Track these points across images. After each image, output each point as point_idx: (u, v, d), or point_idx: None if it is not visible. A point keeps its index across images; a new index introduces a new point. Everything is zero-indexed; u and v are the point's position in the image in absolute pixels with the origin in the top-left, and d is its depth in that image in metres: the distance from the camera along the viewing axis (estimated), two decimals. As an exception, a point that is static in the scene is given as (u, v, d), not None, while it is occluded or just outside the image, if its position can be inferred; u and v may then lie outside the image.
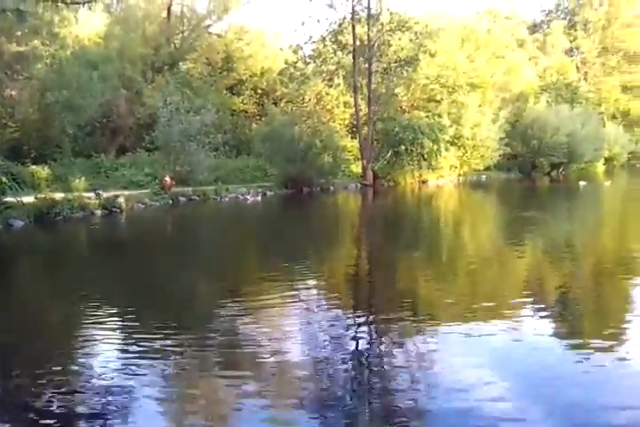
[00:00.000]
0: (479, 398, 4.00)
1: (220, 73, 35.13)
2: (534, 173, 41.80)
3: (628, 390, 4.12)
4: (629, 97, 70.18)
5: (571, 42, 66.17)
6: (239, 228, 15.76)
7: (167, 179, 21.84)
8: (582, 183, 31.25)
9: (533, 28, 67.10)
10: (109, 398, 4.17)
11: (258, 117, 35.03)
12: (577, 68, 62.23)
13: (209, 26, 34.91)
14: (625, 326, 5.83)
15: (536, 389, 4.18)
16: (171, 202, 21.00)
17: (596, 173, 49.76)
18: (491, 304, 6.68)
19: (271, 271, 8.95)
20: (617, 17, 69.53)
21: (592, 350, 4.99)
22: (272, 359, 4.91)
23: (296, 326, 5.96)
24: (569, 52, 65.72)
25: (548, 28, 65.78)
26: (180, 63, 32.61)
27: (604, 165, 54.46)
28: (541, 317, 6.23)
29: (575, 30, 68.35)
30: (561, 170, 44.99)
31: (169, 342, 5.38)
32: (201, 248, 11.95)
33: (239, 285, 8.25)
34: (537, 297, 7.17)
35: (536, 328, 5.71)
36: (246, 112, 35.54)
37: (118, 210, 17.87)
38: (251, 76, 36.17)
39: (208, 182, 24.19)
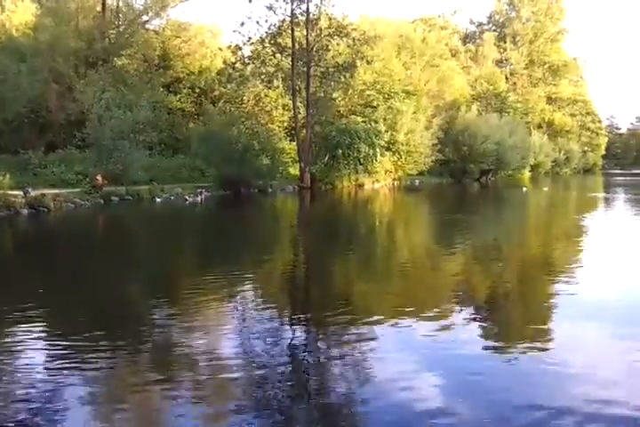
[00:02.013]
0: (411, 395, 4.16)
1: (157, 70, 34.42)
2: (465, 178, 43.45)
3: (549, 387, 4.35)
4: (554, 108, 74.14)
5: (501, 53, 69.17)
6: (174, 229, 15.53)
7: (99, 178, 21.22)
8: (524, 189, 33.33)
9: (466, 39, 69.66)
10: (36, 405, 4.02)
11: (195, 117, 34.56)
12: (506, 78, 65.15)
13: (146, 22, 34.14)
14: (547, 325, 6.19)
15: (463, 385, 4.38)
16: (102, 202, 20.42)
17: (523, 179, 52.27)
18: (422, 304, 6.92)
19: (206, 273, 8.89)
20: (543, 31, 73.31)
21: (516, 348, 5.27)
22: (207, 362, 4.89)
23: (231, 328, 5.94)
24: (499, 63, 68.69)
25: (479, 39, 68.41)
26: (115, 59, 31.69)
27: (530, 172, 57.29)
28: (470, 316, 6.51)
29: (505, 42, 71.51)
30: (490, 176, 47.01)
31: (99, 346, 5.27)
32: (133, 250, 11.71)
33: (172, 287, 8.09)
34: (465, 297, 7.49)
35: (465, 327, 5.98)
36: (183, 111, 34.97)
37: (46, 209, 17.21)
38: (188, 75, 35.64)
39: (142, 182, 23.67)
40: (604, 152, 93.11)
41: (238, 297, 7.36)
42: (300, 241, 13.79)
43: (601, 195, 33.30)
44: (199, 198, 23.42)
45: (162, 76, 34.06)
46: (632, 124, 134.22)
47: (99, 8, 32.59)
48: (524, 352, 5.12)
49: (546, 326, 6.10)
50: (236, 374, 4.61)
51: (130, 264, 9.94)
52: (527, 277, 9.27)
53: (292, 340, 5.60)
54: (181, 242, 13.00)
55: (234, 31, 32.31)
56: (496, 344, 5.56)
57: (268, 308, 6.81)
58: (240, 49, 32.29)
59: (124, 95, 25.50)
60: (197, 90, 35.72)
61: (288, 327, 6.03)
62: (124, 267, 9.53)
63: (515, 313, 6.86)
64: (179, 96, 34.75)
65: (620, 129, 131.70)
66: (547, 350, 5.20)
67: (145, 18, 33.85)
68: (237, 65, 32.06)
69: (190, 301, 7.05)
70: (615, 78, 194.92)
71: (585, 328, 5.89)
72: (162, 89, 33.32)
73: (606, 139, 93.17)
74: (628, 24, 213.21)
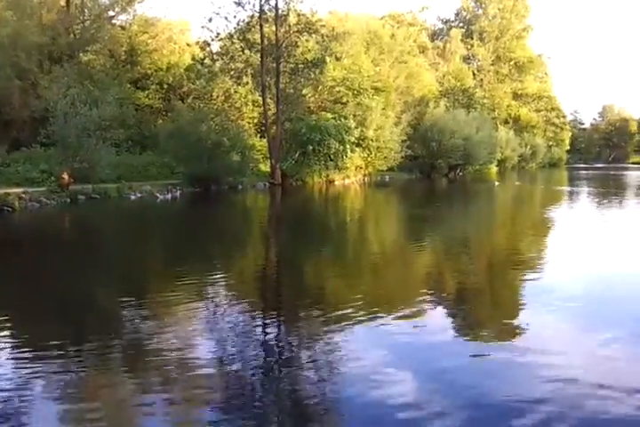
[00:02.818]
0: (383, 390, 4.24)
1: (124, 66, 33.93)
2: (434, 173, 44.01)
3: (521, 380, 4.48)
4: (520, 103, 75.52)
5: (468, 50, 70.09)
6: (144, 227, 15.45)
7: (65, 176, 20.85)
8: (496, 183, 34.17)
9: (434, 36, 70.36)
10: (3, 406, 3.98)
11: (164, 113, 34.20)
12: (473, 74, 66.04)
13: (112, 17, 33.56)
14: (516, 317, 6.36)
15: (435, 380, 4.47)
16: (69, 201, 20.09)
17: (490, 174, 53.19)
18: (393, 299, 7.05)
19: (176, 271, 8.83)
20: (508, 28, 74.51)
21: (486, 341, 5.44)
22: (177, 361, 4.86)
23: (202, 327, 5.94)
24: (466, 59, 69.58)
25: (447, 36, 69.17)
26: (81, 54, 31.13)
27: (497, 166, 58.30)
28: (441, 310, 6.68)
29: (472, 39, 72.45)
30: (458, 171, 47.71)
31: (68, 345, 5.24)
32: (102, 250, 11.60)
33: (141, 286, 8.02)
34: (436, 291, 7.63)
35: (436, 321, 6.13)
36: (151, 107, 34.58)
37: (10, 209, 16.87)
38: (156, 71, 35.22)
39: (110, 180, 23.36)
40: (568, 147, 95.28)
41: (209, 295, 7.35)
42: (272, 238, 13.87)
43: (566, 188, 34.19)
44: (169, 196, 23.25)
45: (129, 72, 33.60)
46: (595, 119, 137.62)
47: (63, 2, 31.90)
48: (494, 345, 5.28)
49: (514, 319, 6.26)
50: (207, 374, 4.62)
51: (98, 264, 9.87)
52: (496, 270, 9.54)
53: (263, 337, 5.64)
54: (151, 240, 12.94)
55: (202, 27, 32.09)
56: (466, 337, 5.70)
57: (239, 305, 6.83)
58: (209, 45, 32.08)
59: (90, 91, 25.05)
60: (165, 86, 35.35)
61: (260, 325, 6.06)
62: (92, 267, 9.45)
63: (484, 306, 7.03)
64: (146, 92, 34.35)
65: (583, 124, 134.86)
66: (516, 342, 5.35)
67: (111, 13, 33.30)
68: (206, 61, 31.85)
69: (160, 299, 7.03)
70: (578, 74, 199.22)
71: (552, 320, 6.06)
72: (129, 85, 32.87)
73: (570, 134, 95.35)
74: (589, 21, 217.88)
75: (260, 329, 5.92)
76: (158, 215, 18.99)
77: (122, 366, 4.92)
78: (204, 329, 5.86)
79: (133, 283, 8.29)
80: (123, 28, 34.38)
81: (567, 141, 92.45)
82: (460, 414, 3.86)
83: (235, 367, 4.80)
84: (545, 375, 4.49)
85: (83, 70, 29.36)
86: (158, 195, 22.82)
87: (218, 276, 8.55)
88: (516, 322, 6.14)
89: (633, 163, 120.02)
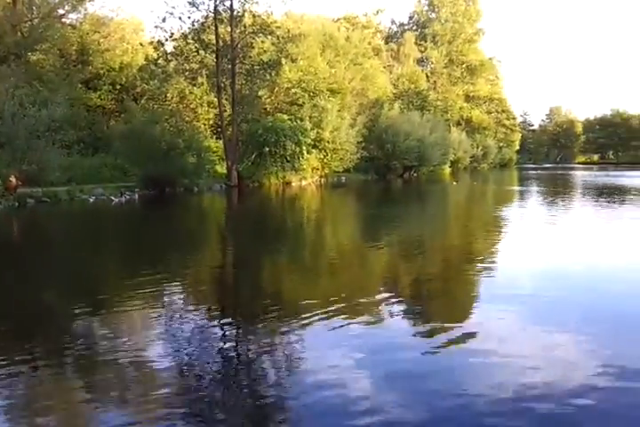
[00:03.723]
0: (341, 389, 4.29)
1: (75, 66, 33.15)
2: (389, 174, 44.69)
3: (474, 374, 4.63)
4: (471, 105, 77.43)
5: (421, 52, 71.39)
6: (98, 231, 15.17)
7: (12, 179, 20.22)
8: (455, 183, 35.11)
9: (388, 39, 71.35)
10: None
11: (116, 114, 33.60)
12: (427, 77, 67.35)
13: (62, 15, 32.76)
14: (471, 314, 6.53)
15: (392, 376, 4.55)
16: (17, 204, 19.51)
17: (444, 175, 54.36)
18: (350, 299, 7.07)
19: (130, 276, 8.70)
20: (461, 32, 76.28)
21: (442, 338, 5.53)
22: (133, 366, 4.82)
23: (157, 331, 5.86)
24: (420, 62, 70.89)
25: (401, 38, 70.26)
26: (29, 53, 30.25)
27: (450, 167, 59.65)
28: (397, 308, 6.77)
29: (425, 42, 73.82)
30: (413, 172, 48.61)
31: (21, 354, 5.13)
32: (53, 256, 11.34)
33: (93, 292, 7.81)
34: (393, 291, 7.73)
35: (393, 319, 6.23)
36: (104, 108, 33.92)
37: (-45, 213, 16.32)
38: (108, 71, 34.53)
39: (60, 183, 22.81)
40: (518, 147, 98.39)
41: (164, 299, 7.27)
42: (228, 240, 13.84)
43: (517, 188, 35.31)
44: (123, 199, 22.89)
45: (80, 72, 32.85)
46: (543, 120, 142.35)
47: (9, -1, 31.00)
48: (450, 342, 5.40)
49: (469, 316, 6.44)
50: (164, 378, 4.60)
51: (48, 269, 9.68)
52: (452, 268, 9.77)
53: (220, 340, 5.61)
54: (105, 245, 12.74)
55: (155, 27, 31.66)
56: (423, 335, 5.82)
57: (196, 309, 6.81)
58: (162, 45, 31.65)
59: (38, 92, 24.44)
60: (118, 86, 34.72)
61: (217, 327, 6.03)
62: (42, 273, 9.26)
63: (439, 304, 7.21)
64: (99, 93, 33.67)
65: (532, 126, 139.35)
66: (471, 338, 5.51)
67: (61, 11, 32.53)
68: (160, 61, 31.46)
69: (114, 305, 6.92)
70: (527, 77, 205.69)
71: (505, 316, 6.26)
72: (80, 85, 32.17)
73: (520, 135, 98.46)
74: (537, 26, 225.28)
75: (217, 332, 5.88)
76: (113, 219, 18.66)
77: (76, 374, 4.86)
78: (160, 333, 5.78)
79: (86, 289, 8.08)
80: (73, 26, 33.60)
81: (517, 142, 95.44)
82: (419, 411, 3.97)
83: (192, 371, 4.80)
84: (500, 370, 4.66)
85: (31, 70, 28.58)
86: (113, 198, 22.44)
87: (173, 280, 8.44)
88: (471, 319, 6.31)
89: (579, 163, 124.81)
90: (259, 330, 5.95)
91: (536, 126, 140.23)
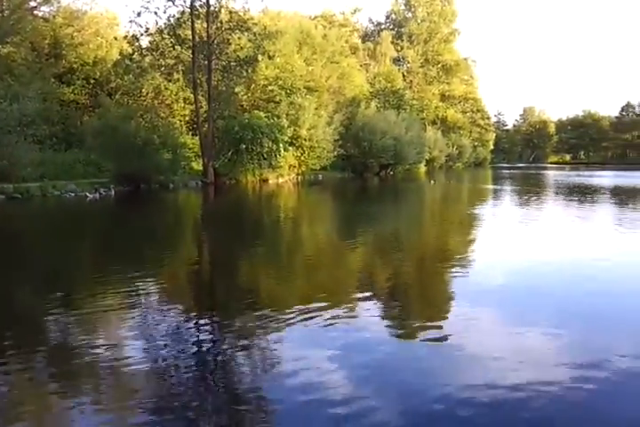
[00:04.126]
0: (318, 387, 4.31)
1: (47, 60, 32.53)
2: (366, 172, 44.93)
3: (448, 369, 4.71)
4: (447, 105, 78.24)
5: (398, 52, 71.83)
6: (70, 228, 14.94)
7: (-17, 174, 19.88)
8: (432, 182, 35.54)
9: (365, 37, 71.65)
10: None
11: (90, 109, 33.05)
12: (403, 76, 67.81)
13: (34, 8, 32.07)
14: (445, 311, 6.62)
15: (372, 376, 4.57)
16: (-12, 200, 19.15)
17: (419, 173, 54.83)
18: (327, 296, 7.10)
19: (106, 275, 8.56)
20: (436, 32, 76.96)
21: (418, 335, 5.62)
22: (109, 367, 4.73)
23: (134, 330, 5.74)
24: (396, 61, 71.32)
25: (378, 37, 70.61)
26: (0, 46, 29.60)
27: (426, 166, 60.20)
28: (374, 306, 6.80)
29: (402, 41, 74.31)
30: (389, 170, 48.94)
31: None
32: (24, 253, 11.13)
33: (68, 291, 7.69)
34: (369, 288, 7.77)
35: (370, 317, 6.24)
36: (77, 103, 33.35)
37: None
38: (82, 65, 33.98)
39: (32, 179, 22.41)
40: (492, 147, 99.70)
41: (138, 298, 7.12)
42: (204, 237, 13.78)
43: (492, 187, 35.81)
44: (97, 195, 22.60)
45: (53, 66, 32.25)
46: (517, 120, 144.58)
47: (-22, -9, 30.26)
48: (425, 339, 5.46)
49: (444, 313, 6.53)
50: (139, 379, 4.53)
51: (22, 268, 9.52)
52: (427, 266, 9.87)
53: (197, 338, 5.53)
54: (79, 242, 12.56)
55: (130, 21, 31.26)
56: (399, 332, 5.89)
57: (172, 307, 6.72)
58: (137, 40, 31.26)
59: (9, 86, 23.97)
60: (92, 81, 34.18)
61: (193, 326, 5.96)
62: (13, 271, 9.08)
63: (416, 301, 7.31)
64: (72, 88, 33.11)
65: (506, 125, 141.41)
66: (446, 335, 5.56)
67: (33, 3, 31.83)
68: (135, 56, 31.07)
69: (86, 305, 6.78)
70: (501, 77, 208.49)
71: (478, 313, 6.37)
72: (53, 80, 31.59)
73: (494, 134, 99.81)
74: (512, 27, 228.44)
75: (193, 331, 5.80)
76: (87, 215, 18.40)
77: (50, 374, 4.76)
78: (135, 333, 5.67)
79: (59, 287, 7.91)
80: (46, 19, 32.96)
81: (491, 142, 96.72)
82: (394, 407, 4.02)
83: (168, 370, 4.73)
84: (473, 366, 4.76)
85: (2, 63, 27.96)
86: (88, 194, 22.14)
87: (148, 278, 8.30)
88: (446, 316, 6.40)
89: (551, 162, 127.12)
90: (235, 328, 5.89)
91: (510, 126, 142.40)
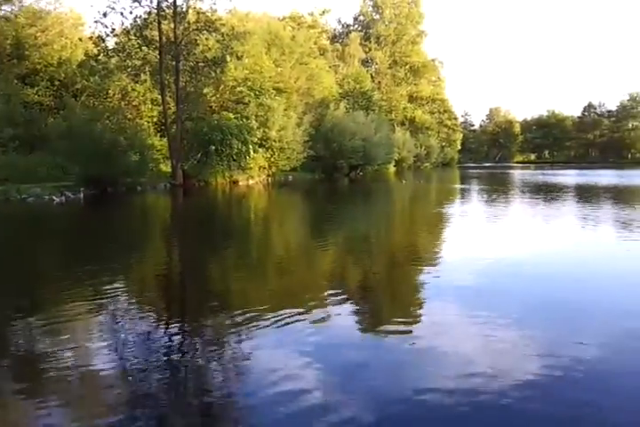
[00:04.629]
0: (289, 388, 4.33)
1: (10, 60, 31.82)
2: (336, 173, 45.11)
3: (418, 368, 4.77)
4: (415, 106, 79.14)
5: (366, 53, 72.38)
6: (35, 232, 14.66)
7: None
8: (403, 181, 35.97)
9: (334, 39, 71.98)
10: None
11: (55, 111, 32.43)
12: (372, 77, 68.30)
13: (-6, 7, 31.39)
14: (416, 310, 6.70)
15: (340, 373, 4.64)
16: (-51, 204, 18.61)
17: (389, 173, 55.32)
18: (299, 299, 7.15)
19: (73, 279, 8.39)
20: (404, 33, 77.81)
21: (388, 334, 5.66)
22: (77, 372, 4.66)
23: (102, 336, 5.65)
24: (365, 62, 71.83)
25: (346, 39, 71.01)
26: (-41, 46, 28.88)
27: (395, 166, 60.78)
28: (345, 306, 6.80)
29: (370, 42, 74.88)
30: (359, 171, 49.25)
31: None
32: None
33: (34, 296, 7.53)
34: (342, 289, 7.82)
35: (343, 320, 6.24)
36: (42, 105, 32.66)
37: None
38: (46, 66, 33.31)
39: (-5, 182, 21.90)
40: (459, 147, 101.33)
41: (106, 303, 6.95)
42: (173, 240, 13.66)
43: (460, 186, 36.37)
44: (63, 199, 22.20)
45: (16, 66, 31.57)
46: (483, 121, 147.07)
47: None
48: (396, 337, 5.55)
49: (414, 311, 6.64)
50: (109, 384, 4.47)
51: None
52: (397, 264, 9.97)
53: (168, 343, 5.46)
54: (44, 246, 12.35)
55: (96, 22, 30.77)
56: (371, 331, 5.96)
57: (140, 312, 6.60)
58: (103, 41, 30.81)
59: (-30, 87, 23.38)
60: (57, 82, 33.54)
61: (164, 331, 5.88)
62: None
63: (386, 300, 7.41)
64: (36, 89, 32.42)
65: (473, 125, 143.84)
66: (417, 332, 5.67)
67: (-7, 3, 31.12)
68: (101, 57, 30.61)
69: (55, 309, 6.68)
70: (468, 78, 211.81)
71: (449, 312, 6.48)
72: (16, 81, 30.90)
73: (461, 135, 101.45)
74: (478, 29, 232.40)
75: (164, 335, 5.71)
76: (53, 220, 18.06)
77: (16, 379, 4.70)
78: (104, 337, 5.60)
79: (23, 293, 7.71)
80: (7, 19, 32.24)
81: (458, 142, 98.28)
82: (368, 405, 4.08)
83: (138, 379, 4.64)
84: (443, 364, 4.85)
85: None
86: (54, 198, 21.72)
87: (115, 283, 8.16)
88: (416, 314, 6.50)
89: (517, 162, 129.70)
90: (205, 332, 5.86)
91: (477, 126, 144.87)
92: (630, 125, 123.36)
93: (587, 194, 28.25)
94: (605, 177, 46.49)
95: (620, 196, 27.10)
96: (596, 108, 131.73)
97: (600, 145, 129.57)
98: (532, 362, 4.83)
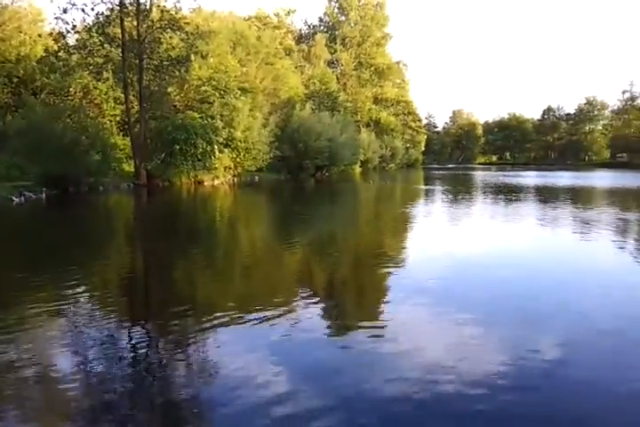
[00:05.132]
0: (256, 390, 4.33)
1: (-36, 56, 30.83)
2: (302, 174, 45.14)
3: (394, 371, 4.79)
4: (380, 107, 79.79)
5: (332, 54, 72.63)
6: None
7: None
8: (371, 182, 36.24)
9: (300, 39, 72.03)
10: None
11: (14, 109, 31.51)
12: (337, 78, 68.58)
13: (-53, 1, 30.34)
14: (382, 310, 6.74)
15: (311, 377, 4.64)
16: None
17: (354, 174, 55.65)
18: (265, 300, 7.11)
19: (32, 282, 8.12)
20: (369, 35, 78.38)
21: (359, 336, 5.66)
22: (37, 378, 4.57)
23: (64, 340, 5.50)
24: (330, 63, 72.05)
25: (312, 40, 71.12)
26: None
27: (361, 167, 61.19)
28: (314, 308, 6.78)
29: (336, 44, 75.17)
30: (324, 171, 49.40)
31: None
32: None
33: None
34: (308, 290, 7.84)
35: (310, 319, 6.24)
36: (-1, 102, 31.79)
37: None
38: (4, 63, 32.34)
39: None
40: (423, 148, 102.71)
41: (68, 307, 6.75)
42: (136, 242, 13.45)
43: (423, 187, 36.88)
44: (23, 199, 21.61)
45: (-29, 62, 30.59)
46: (446, 123, 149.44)
47: None
48: (363, 338, 5.57)
49: (380, 312, 6.68)
50: (69, 392, 4.35)
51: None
52: (363, 265, 10.05)
53: (132, 347, 5.35)
54: (1, 248, 12.03)
55: (56, 18, 30.11)
56: (338, 332, 5.98)
57: (103, 316, 6.38)
58: (64, 37, 30.12)
59: None
60: (15, 80, 32.61)
61: (128, 334, 5.74)
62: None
63: (353, 301, 7.46)
64: (-7, 86, 31.51)
65: (437, 127, 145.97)
66: (382, 333, 5.72)
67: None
68: (61, 54, 29.92)
69: (12, 314, 6.49)
70: (432, 81, 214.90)
71: (415, 310, 6.59)
72: (-29, 77, 29.95)
73: (425, 136, 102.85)
74: (441, 32, 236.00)
75: (128, 339, 5.58)
76: (12, 220, 17.58)
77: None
78: (66, 341, 5.46)
79: None
80: (-39, 14, 31.21)
81: (422, 144, 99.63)
82: (335, 406, 4.10)
83: (101, 384, 4.53)
84: (409, 363, 4.92)
85: None
86: (14, 198, 21.12)
87: (78, 287, 7.92)
88: (382, 314, 6.55)
89: (479, 163, 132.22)
90: (170, 335, 5.77)
91: (440, 128, 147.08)
92: (587, 128, 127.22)
93: (545, 195, 29.04)
94: (563, 178, 47.87)
95: (576, 196, 27.98)
96: (555, 112, 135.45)
97: (559, 147, 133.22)
98: (497, 361, 4.94)
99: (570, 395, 4.33)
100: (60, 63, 29.85)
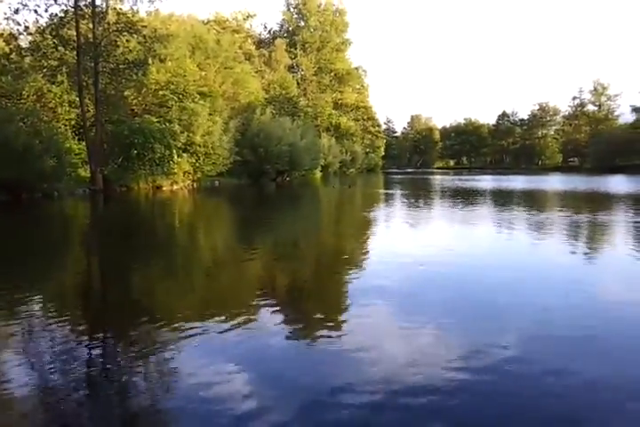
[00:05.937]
0: (218, 392, 4.35)
1: None
2: (263, 178, 45.04)
3: (348, 369, 4.87)
4: (340, 113, 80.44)
5: (292, 59, 72.85)
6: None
7: None
8: (334, 186, 36.38)
9: (260, 44, 72.00)
10: None
11: (-38, 112, 30.41)
12: (297, 83, 68.83)
13: None
14: (343, 313, 6.80)
15: (273, 381, 4.67)
16: None
17: (315, 179, 55.86)
18: (227, 306, 7.11)
19: None
20: (329, 41, 79.01)
21: (320, 340, 5.71)
22: None
23: (17, 351, 5.36)
24: (291, 68, 72.27)
25: (272, 44, 71.21)
26: None
27: (321, 172, 61.50)
28: (276, 313, 6.78)
29: (296, 49, 75.44)
30: (285, 176, 49.42)
31: None
32: None
33: None
34: (270, 295, 7.81)
35: (272, 325, 6.24)
36: (-55, 105, 30.57)
37: None
38: (-50, 64, 31.21)
39: None
40: (383, 153, 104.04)
41: (21, 318, 6.56)
42: (94, 250, 13.14)
43: (383, 191, 37.29)
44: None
45: None
46: (405, 128, 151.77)
47: None
48: (325, 342, 5.63)
49: (341, 315, 6.74)
50: (24, 407, 4.25)
51: None
52: (324, 269, 10.09)
53: (89, 357, 5.23)
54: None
55: (6, 18, 29.26)
56: (299, 336, 6.01)
57: (59, 327, 6.17)
58: (16, 39, 29.34)
59: None
60: (-36, 82, 31.50)
61: (85, 345, 5.59)
62: None
63: (314, 305, 7.45)
64: (-61, 88, 30.34)
65: (396, 132, 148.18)
66: (344, 335, 5.80)
67: None
68: (13, 56, 29.12)
69: None
70: (390, 86, 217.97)
71: (376, 313, 6.67)
72: None
73: (385, 141, 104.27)
74: (399, 38, 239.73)
75: (85, 350, 5.43)
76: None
77: None
78: (20, 352, 5.31)
79: None
80: None
81: (382, 148, 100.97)
82: (297, 413, 4.13)
83: (58, 396, 4.42)
84: (371, 364, 4.99)
85: None
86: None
87: (31, 297, 7.66)
88: (343, 317, 6.61)
89: (437, 168, 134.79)
90: (129, 345, 5.66)
91: (399, 133, 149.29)
92: (540, 133, 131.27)
93: (500, 198, 29.81)
94: (516, 182, 49.16)
95: (529, 200, 28.81)
96: (509, 117, 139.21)
97: (513, 152, 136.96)
98: (456, 361, 5.06)
99: (523, 387, 4.47)
100: (13, 66, 29.03)
